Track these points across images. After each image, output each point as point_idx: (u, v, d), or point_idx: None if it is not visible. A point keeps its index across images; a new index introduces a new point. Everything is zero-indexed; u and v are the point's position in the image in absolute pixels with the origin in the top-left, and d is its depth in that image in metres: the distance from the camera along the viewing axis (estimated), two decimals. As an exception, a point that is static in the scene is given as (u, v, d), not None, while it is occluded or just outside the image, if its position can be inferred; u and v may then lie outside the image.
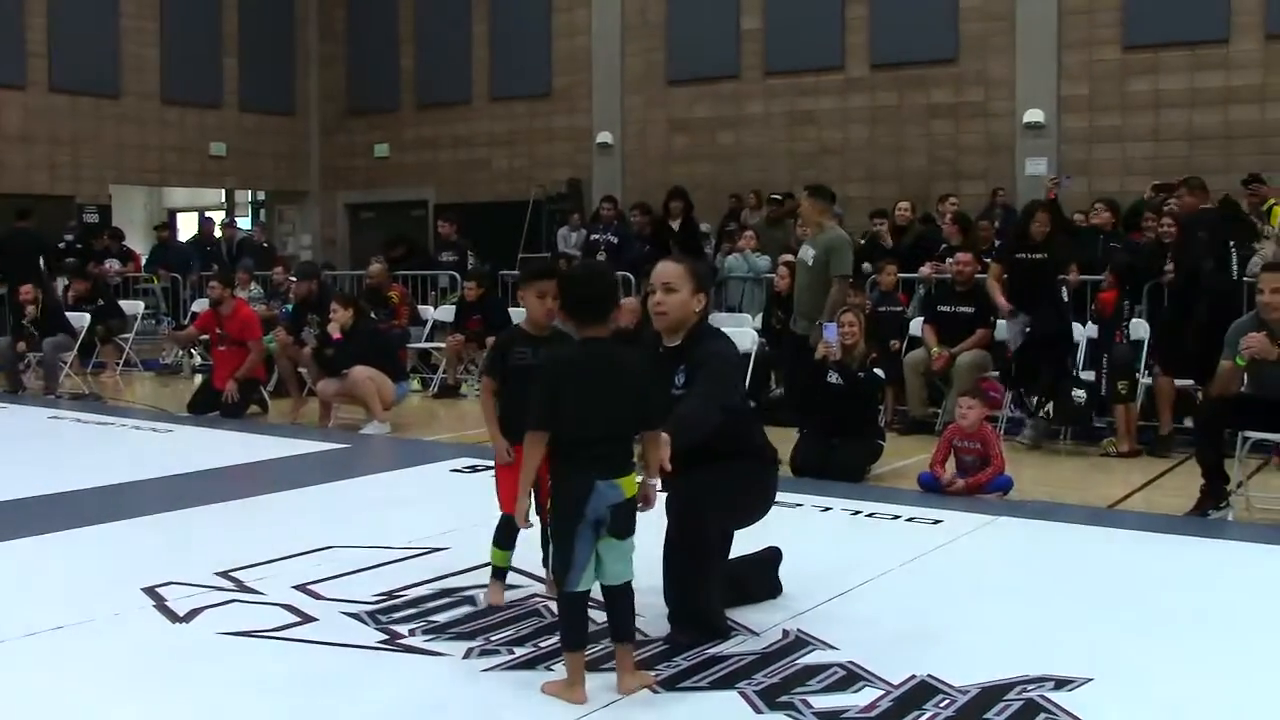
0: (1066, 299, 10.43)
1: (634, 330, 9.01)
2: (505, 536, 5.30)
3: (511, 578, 5.39)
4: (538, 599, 5.23)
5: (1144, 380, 9.74)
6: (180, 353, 15.86)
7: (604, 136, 20.57)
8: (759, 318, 12.41)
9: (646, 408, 4.24)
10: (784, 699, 4.09)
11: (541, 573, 5.37)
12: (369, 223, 23.70)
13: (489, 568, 5.50)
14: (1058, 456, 9.47)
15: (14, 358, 13.58)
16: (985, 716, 3.94)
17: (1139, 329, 10.22)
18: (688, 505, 4.66)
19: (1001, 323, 10.26)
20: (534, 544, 5.31)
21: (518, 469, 5.20)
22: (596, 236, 15.26)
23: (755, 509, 4.99)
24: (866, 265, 11.94)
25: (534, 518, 4.82)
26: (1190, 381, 9.15)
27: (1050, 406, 9.63)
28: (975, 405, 7.83)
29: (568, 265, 4.76)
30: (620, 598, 4.20)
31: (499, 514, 5.28)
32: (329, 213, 24.54)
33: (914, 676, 4.26)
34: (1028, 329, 9.83)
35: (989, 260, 10.86)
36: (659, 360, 4.78)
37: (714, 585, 4.73)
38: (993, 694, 4.12)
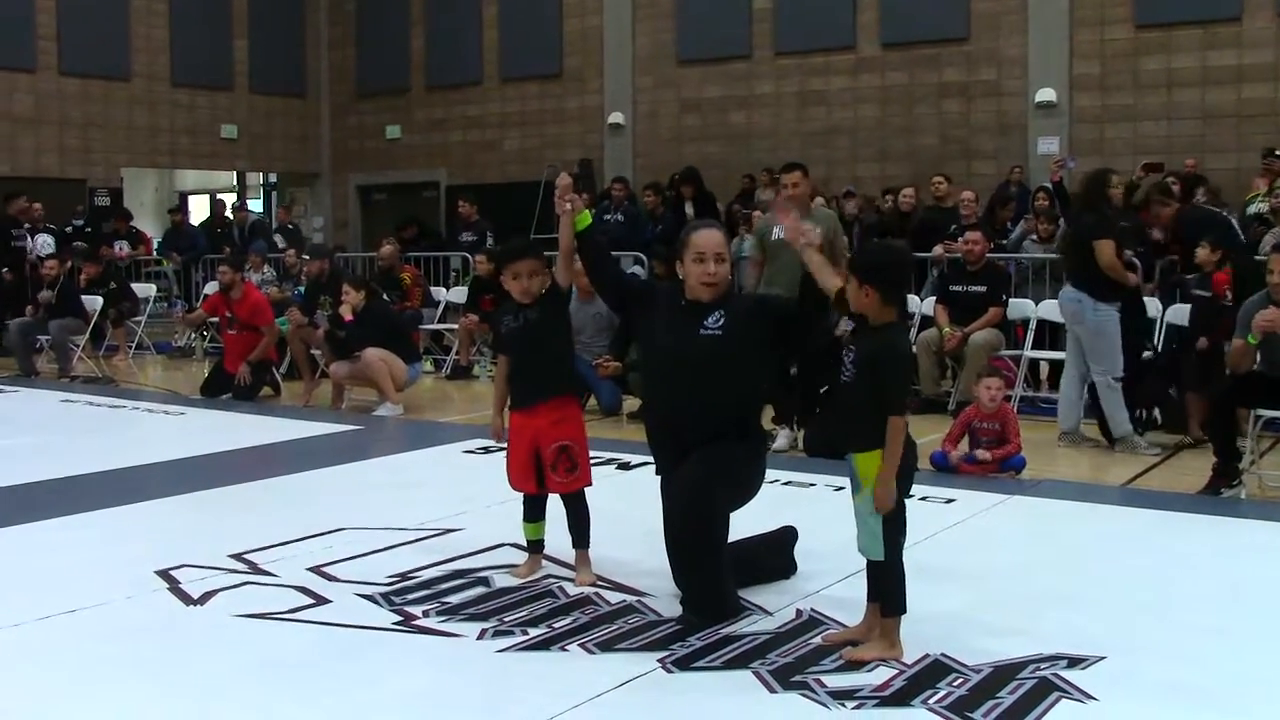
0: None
1: None
2: (532, 510, 5.36)
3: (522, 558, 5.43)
4: (551, 580, 5.24)
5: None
6: (192, 335, 15.88)
7: (615, 117, 20.53)
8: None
9: None
10: (798, 678, 4.10)
11: (563, 556, 5.39)
12: (380, 204, 23.69)
13: (502, 548, 5.58)
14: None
15: (25, 343, 13.61)
16: (998, 695, 3.94)
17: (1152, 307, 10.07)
18: (699, 486, 4.67)
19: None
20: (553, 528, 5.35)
21: (518, 444, 5.26)
22: (607, 217, 15.21)
23: (754, 488, 5.00)
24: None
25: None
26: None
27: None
28: (1002, 387, 7.81)
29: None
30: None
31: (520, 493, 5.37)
32: (340, 195, 24.53)
33: (927, 655, 4.26)
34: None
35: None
36: (682, 311, 4.89)
37: (725, 565, 4.74)
38: (1006, 673, 4.12)
